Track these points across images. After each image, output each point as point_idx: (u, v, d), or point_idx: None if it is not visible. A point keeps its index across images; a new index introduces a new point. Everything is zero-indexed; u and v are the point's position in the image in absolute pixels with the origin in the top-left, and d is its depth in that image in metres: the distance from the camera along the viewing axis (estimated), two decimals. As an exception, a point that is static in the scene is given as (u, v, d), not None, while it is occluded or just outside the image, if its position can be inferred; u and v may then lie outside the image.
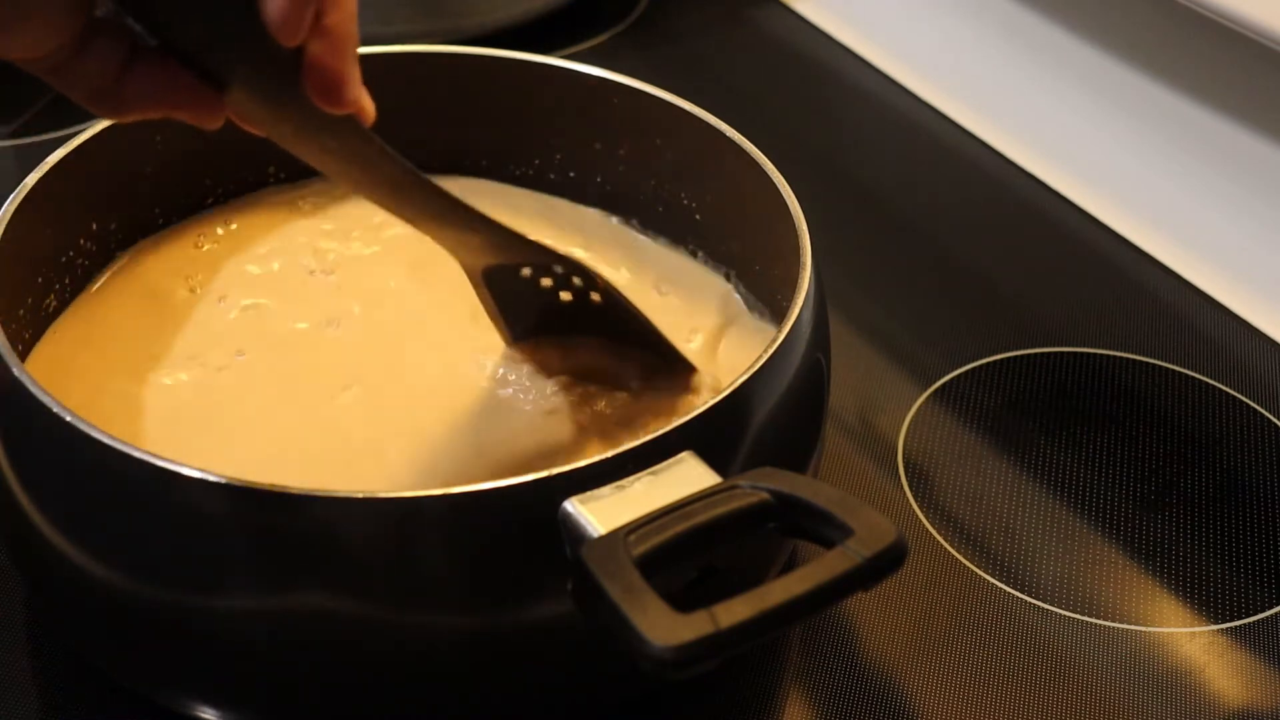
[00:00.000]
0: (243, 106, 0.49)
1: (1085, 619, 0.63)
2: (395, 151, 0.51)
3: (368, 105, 0.49)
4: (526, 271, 0.60)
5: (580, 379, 0.61)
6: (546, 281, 0.60)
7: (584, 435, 0.60)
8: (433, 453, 0.59)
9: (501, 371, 0.62)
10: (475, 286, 0.60)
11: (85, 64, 0.46)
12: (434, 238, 0.58)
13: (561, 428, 0.59)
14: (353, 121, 0.49)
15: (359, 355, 0.63)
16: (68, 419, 0.50)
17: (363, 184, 0.55)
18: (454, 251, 0.59)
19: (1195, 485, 0.69)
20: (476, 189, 0.72)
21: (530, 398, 0.61)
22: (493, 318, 0.62)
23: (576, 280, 0.60)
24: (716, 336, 0.65)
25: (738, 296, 0.67)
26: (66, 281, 0.65)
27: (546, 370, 0.62)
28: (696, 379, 0.61)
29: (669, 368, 0.61)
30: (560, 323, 0.62)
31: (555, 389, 0.61)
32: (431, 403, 0.61)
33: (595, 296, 0.60)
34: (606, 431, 0.59)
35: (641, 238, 0.71)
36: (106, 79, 0.47)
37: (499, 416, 0.60)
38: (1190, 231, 0.83)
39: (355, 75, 0.47)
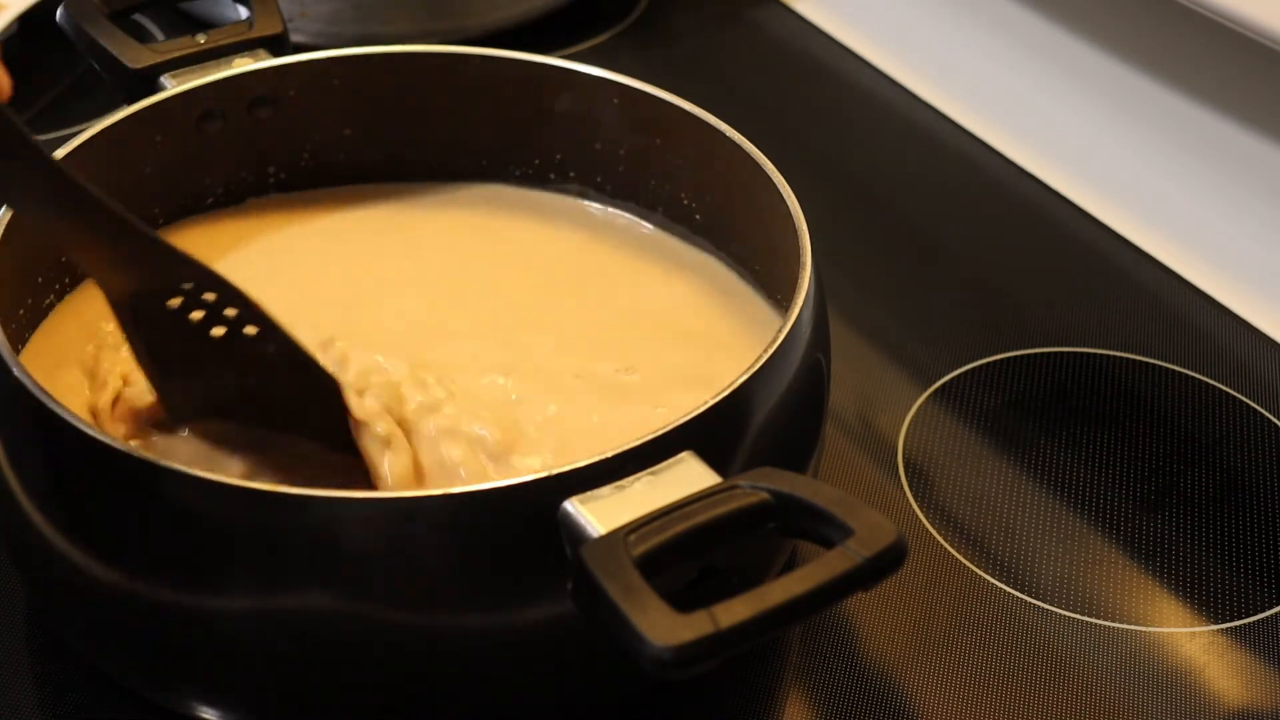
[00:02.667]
0: None
1: (1085, 619, 0.63)
2: (33, 138, 0.47)
3: (2, 74, 0.45)
4: (175, 301, 0.54)
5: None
6: (198, 314, 0.54)
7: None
8: None
9: None
10: (124, 328, 0.54)
11: None
12: (72, 250, 0.52)
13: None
14: None
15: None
16: (68, 419, 0.50)
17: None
18: (96, 271, 0.53)
19: (1195, 485, 0.69)
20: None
21: None
22: (150, 379, 0.56)
23: (230, 311, 0.54)
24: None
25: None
26: (66, 281, 0.65)
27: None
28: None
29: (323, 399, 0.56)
30: (225, 393, 0.57)
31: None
32: None
33: (250, 329, 0.55)
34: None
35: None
36: None
37: None
38: (1190, 231, 0.83)
39: None
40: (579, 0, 1.01)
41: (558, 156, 0.71)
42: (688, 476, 0.49)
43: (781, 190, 0.61)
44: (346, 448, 0.56)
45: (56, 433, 0.50)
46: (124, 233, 0.51)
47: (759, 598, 0.44)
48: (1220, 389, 0.74)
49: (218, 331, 0.55)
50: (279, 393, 0.56)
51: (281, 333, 0.55)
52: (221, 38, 0.68)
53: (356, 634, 0.50)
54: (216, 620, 0.51)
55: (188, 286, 0.54)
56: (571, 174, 0.72)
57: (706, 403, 0.51)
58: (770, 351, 0.54)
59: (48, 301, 0.64)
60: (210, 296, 0.54)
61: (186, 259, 0.53)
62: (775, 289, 0.65)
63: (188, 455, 0.56)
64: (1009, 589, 0.64)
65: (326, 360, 0.57)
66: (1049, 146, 0.90)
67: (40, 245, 0.62)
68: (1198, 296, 0.80)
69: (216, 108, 0.67)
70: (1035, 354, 0.76)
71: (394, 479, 0.54)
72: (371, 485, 0.55)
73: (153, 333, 0.54)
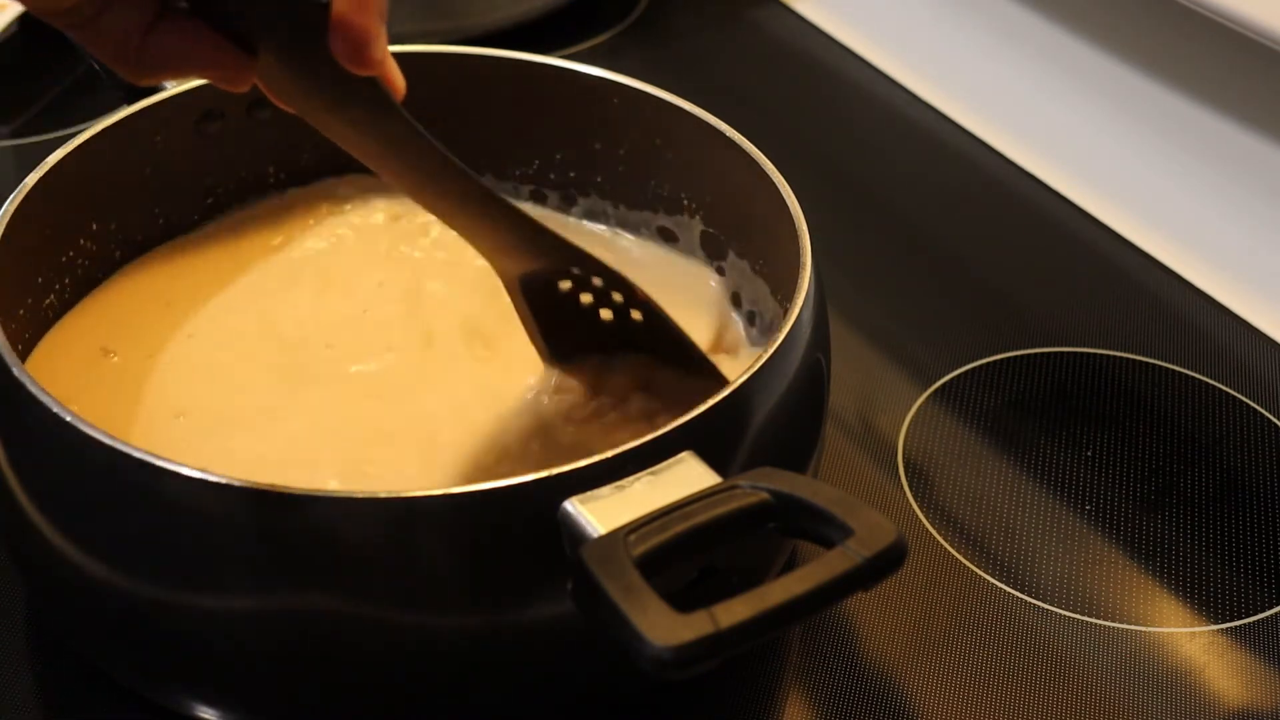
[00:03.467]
0: (271, 71, 0.48)
1: (1085, 619, 0.63)
2: (429, 135, 0.50)
3: (396, 75, 0.48)
4: (565, 285, 0.58)
5: (619, 398, 0.60)
6: (586, 298, 0.59)
7: (616, 436, 0.59)
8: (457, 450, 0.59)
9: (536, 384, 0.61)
10: (512, 297, 0.59)
11: (109, 20, 0.45)
12: (466, 236, 0.56)
13: (593, 429, 0.60)
14: (381, 94, 0.48)
15: (370, 355, 0.63)
16: (68, 419, 0.50)
17: (392, 167, 0.53)
18: (489, 255, 0.57)
19: (1195, 485, 0.69)
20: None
21: (567, 406, 0.60)
22: (530, 334, 0.60)
23: (617, 296, 0.58)
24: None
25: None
26: (66, 281, 0.65)
27: (589, 389, 0.61)
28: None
29: (703, 382, 0.59)
30: (599, 340, 0.60)
31: (594, 402, 0.60)
32: (454, 402, 0.61)
33: (636, 314, 0.59)
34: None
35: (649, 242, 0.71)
36: (131, 37, 0.46)
37: (532, 420, 0.60)
38: (1190, 231, 0.83)
39: (381, 34, 0.47)
40: (579, 0, 1.01)
41: (558, 156, 0.71)
42: (688, 476, 0.49)
43: (781, 190, 0.61)
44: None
45: (57, 433, 0.50)
46: (513, 222, 0.54)
47: (759, 598, 0.44)
48: (1220, 389, 0.74)
49: (606, 314, 0.59)
50: (647, 348, 0.60)
51: (664, 317, 0.58)
52: (222, 38, 0.68)
53: (356, 634, 0.50)
54: (217, 620, 0.51)
55: (576, 272, 0.57)
56: (571, 174, 0.72)
57: (706, 403, 0.51)
58: (770, 351, 0.54)
59: (48, 301, 0.64)
60: (598, 281, 0.58)
61: (571, 247, 0.56)
62: (775, 289, 0.65)
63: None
64: (1009, 589, 0.64)
65: None
66: (1049, 146, 0.90)
67: (40, 245, 0.62)
68: (1198, 296, 0.80)
69: (216, 108, 0.67)
70: (1035, 354, 0.76)
71: None
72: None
73: (543, 309, 0.59)
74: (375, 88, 0.48)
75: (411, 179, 0.53)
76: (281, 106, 0.50)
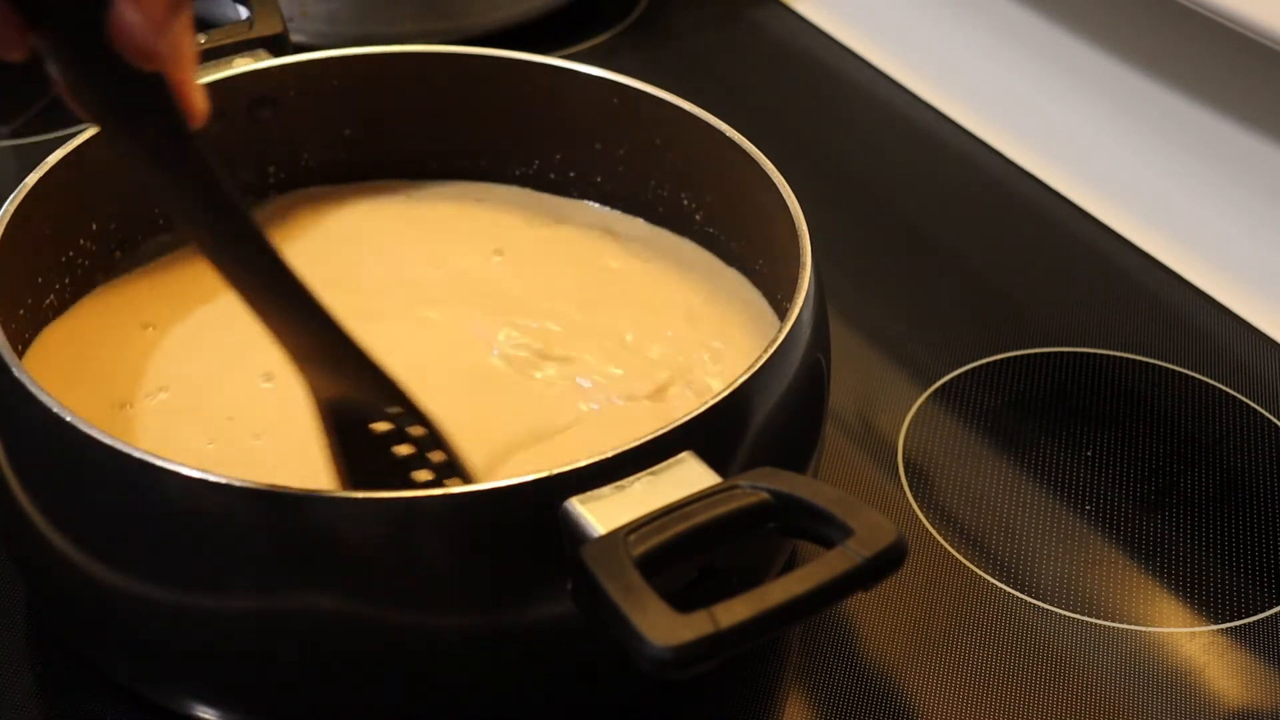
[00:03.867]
0: (56, 53, 0.41)
1: (1085, 619, 0.63)
2: (234, 187, 0.45)
3: (193, 93, 0.42)
4: (381, 427, 0.52)
5: None
6: (403, 449, 0.53)
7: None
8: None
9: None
10: (323, 426, 0.52)
11: None
12: (271, 329, 0.49)
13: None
14: (171, 110, 0.42)
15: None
16: (68, 419, 0.50)
17: (180, 216, 0.46)
18: (299, 363, 0.50)
19: (1195, 485, 0.69)
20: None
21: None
22: (341, 480, 0.54)
23: (436, 455, 0.53)
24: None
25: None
26: (66, 281, 0.65)
27: None
28: None
29: None
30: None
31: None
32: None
33: (454, 484, 0.53)
34: None
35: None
36: None
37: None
38: (1190, 231, 0.83)
39: (170, 25, 0.40)
40: (579, 0, 1.01)
41: (558, 156, 0.71)
42: (688, 476, 0.49)
43: (781, 190, 0.61)
44: None
45: (57, 433, 0.50)
46: (322, 328, 0.49)
47: (759, 598, 0.44)
48: (1220, 389, 0.74)
49: (422, 475, 0.53)
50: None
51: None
52: (221, 38, 0.68)
53: (357, 634, 0.50)
54: (216, 620, 0.51)
55: (395, 412, 0.52)
56: (571, 174, 0.72)
57: (706, 403, 0.51)
58: (770, 351, 0.54)
59: (48, 301, 0.64)
60: (417, 432, 0.53)
61: (392, 384, 0.51)
62: (775, 289, 0.65)
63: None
64: (1009, 589, 0.64)
65: None
66: (1049, 146, 0.90)
67: (40, 245, 0.62)
68: (1198, 296, 0.80)
69: (216, 108, 0.66)
70: (1035, 354, 0.76)
71: None
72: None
73: (353, 451, 0.53)
74: (164, 99, 0.42)
75: (199, 235, 0.47)
76: (72, 108, 0.43)
